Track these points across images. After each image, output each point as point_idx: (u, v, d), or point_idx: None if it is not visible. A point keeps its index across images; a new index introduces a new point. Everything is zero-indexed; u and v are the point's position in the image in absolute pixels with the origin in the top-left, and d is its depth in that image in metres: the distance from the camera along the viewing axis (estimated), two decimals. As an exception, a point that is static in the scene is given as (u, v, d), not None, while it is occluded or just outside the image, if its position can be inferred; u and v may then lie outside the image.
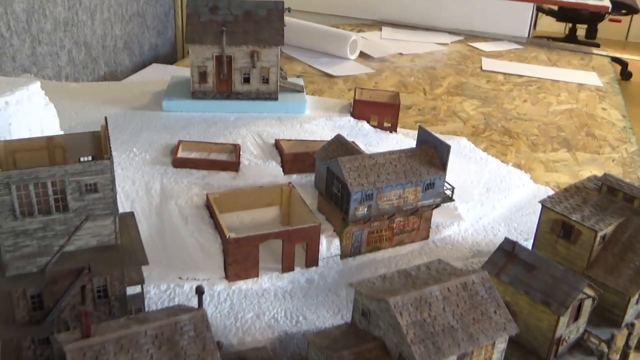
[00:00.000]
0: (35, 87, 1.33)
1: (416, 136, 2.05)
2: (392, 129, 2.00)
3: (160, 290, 1.36)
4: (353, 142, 1.76)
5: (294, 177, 1.69)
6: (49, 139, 1.12)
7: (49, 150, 1.12)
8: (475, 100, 2.78)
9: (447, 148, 1.50)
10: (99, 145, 1.14)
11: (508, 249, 1.35)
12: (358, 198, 1.44)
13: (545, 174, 2.14)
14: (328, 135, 1.88)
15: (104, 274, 1.11)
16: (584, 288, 1.23)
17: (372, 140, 1.94)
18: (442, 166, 1.53)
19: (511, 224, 1.75)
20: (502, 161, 2.05)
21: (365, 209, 1.46)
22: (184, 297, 1.35)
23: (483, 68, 3.20)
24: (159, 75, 2.81)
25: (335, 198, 1.50)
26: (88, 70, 2.92)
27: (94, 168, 1.04)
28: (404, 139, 1.99)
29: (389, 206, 1.49)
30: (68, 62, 2.78)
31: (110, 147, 1.06)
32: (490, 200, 1.80)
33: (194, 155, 1.71)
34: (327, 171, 1.51)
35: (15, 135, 1.26)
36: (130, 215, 1.24)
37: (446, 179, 1.54)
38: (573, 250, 1.40)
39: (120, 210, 1.50)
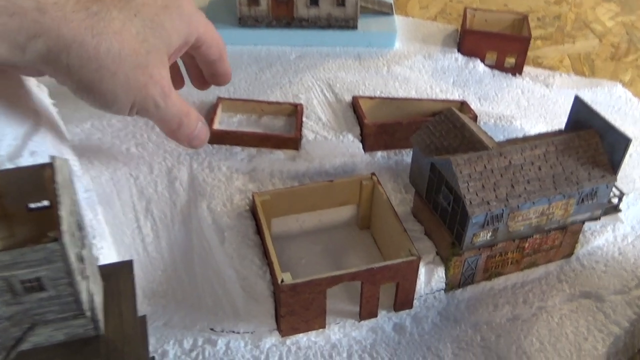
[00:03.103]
0: None
1: (549, 79, 1.49)
2: (517, 70, 1.43)
3: (182, 351, 0.93)
4: (471, 113, 1.21)
5: (379, 156, 1.19)
6: (-28, 178, 0.65)
7: (-26, 195, 0.66)
8: (613, 3, 2.11)
9: (625, 142, 0.96)
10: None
11: None
12: (480, 222, 0.93)
13: None
14: (426, 85, 1.34)
15: (75, 393, 0.68)
16: None
17: (487, 89, 1.39)
18: (612, 167, 0.99)
19: (690, 225, 1.22)
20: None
21: (489, 234, 0.96)
22: (217, 360, 0.93)
23: (622, -48, 2.46)
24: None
25: (442, 212, 1.00)
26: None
27: (31, 257, 0.58)
28: (534, 87, 1.42)
29: (524, 227, 0.99)
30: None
31: (61, 218, 0.58)
32: (659, 187, 1.26)
33: (238, 119, 1.22)
34: (432, 169, 1.00)
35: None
36: (125, 269, 0.79)
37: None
38: None
39: (131, 214, 1.06)
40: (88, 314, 0.66)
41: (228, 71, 1.13)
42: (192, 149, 1.09)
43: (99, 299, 0.72)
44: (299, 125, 1.17)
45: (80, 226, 0.68)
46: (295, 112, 1.21)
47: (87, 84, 0.90)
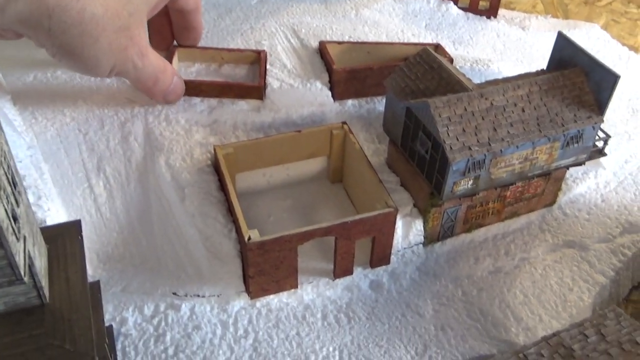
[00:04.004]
0: None
1: (525, 22, 1.42)
2: (491, 12, 1.36)
3: (143, 317, 0.86)
4: (446, 56, 1.13)
5: (349, 105, 1.11)
6: None
7: None
8: (585, -53, 2.04)
9: (613, 79, 0.90)
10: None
11: None
12: (460, 169, 0.87)
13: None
14: (397, 29, 1.27)
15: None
16: None
17: (461, 33, 1.31)
18: (599, 106, 0.93)
19: (673, 168, 1.18)
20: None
21: (470, 183, 0.90)
22: (181, 328, 0.86)
23: None
24: None
25: (419, 160, 0.93)
26: None
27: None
28: (510, 30, 1.35)
29: (507, 174, 0.92)
30: None
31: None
32: (640, 130, 1.21)
33: (196, 69, 1.13)
34: (408, 114, 0.93)
35: None
36: (72, 230, 0.71)
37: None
38: None
39: (81, 173, 0.97)
40: (27, 279, 0.58)
41: (201, 25, 1.10)
42: (167, 104, 1.04)
43: (41, 264, 0.64)
44: (263, 73, 1.08)
45: (13, 181, 0.59)
46: (258, 60, 1.12)
47: (69, 50, 0.87)
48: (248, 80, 1.11)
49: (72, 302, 0.65)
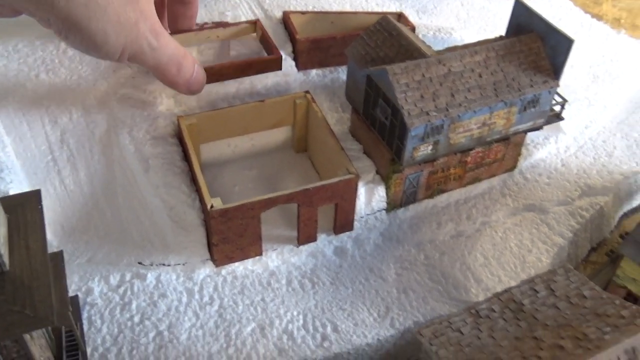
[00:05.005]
0: None
1: (490, -8, 1.43)
2: (455, -19, 1.37)
3: (109, 287, 0.87)
4: (409, 25, 1.14)
5: (313, 74, 1.12)
6: None
7: None
8: None
9: (567, 43, 0.91)
10: None
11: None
12: (419, 134, 0.88)
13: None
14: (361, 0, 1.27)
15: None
16: None
17: (425, 2, 1.32)
18: (554, 71, 0.94)
19: (631, 133, 1.20)
20: (605, 22, 1.43)
21: (430, 148, 0.92)
22: (147, 296, 0.87)
23: None
24: None
25: (380, 127, 0.94)
26: None
27: None
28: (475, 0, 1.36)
29: (465, 139, 0.94)
30: None
31: None
32: (601, 97, 1.23)
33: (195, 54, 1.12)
34: (368, 82, 0.94)
35: None
36: (32, 199, 0.71)
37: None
38: None
39: (44, 146, 0.97)
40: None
41: None
42: (191, 94, 1.01)
43: (0, 232, 0.65)
44: (271, 41, 1.08)
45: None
46: (255, 31, 1.13)
47: (75, 22, 0.80)
48: (254, 54, 1.11)
49: (33, 269, 0.66)
